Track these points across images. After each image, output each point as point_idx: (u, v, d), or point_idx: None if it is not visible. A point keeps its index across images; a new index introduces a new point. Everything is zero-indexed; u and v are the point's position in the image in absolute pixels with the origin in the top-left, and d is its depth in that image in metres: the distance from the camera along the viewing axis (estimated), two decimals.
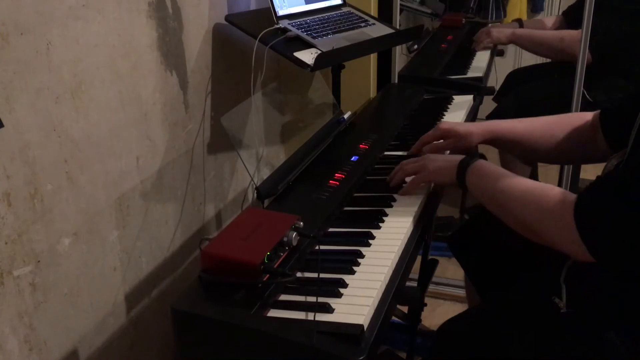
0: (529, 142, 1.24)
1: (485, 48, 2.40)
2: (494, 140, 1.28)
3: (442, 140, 1.30)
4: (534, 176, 2.56)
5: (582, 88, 1.83)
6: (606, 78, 2.07)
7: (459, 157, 1.12)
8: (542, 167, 2.59)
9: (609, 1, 2.00)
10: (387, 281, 0.93)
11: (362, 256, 0.98)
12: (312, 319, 0.82)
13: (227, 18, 1.51)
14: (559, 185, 2.08)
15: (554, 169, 2.46)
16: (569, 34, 2.09)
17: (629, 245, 0.87)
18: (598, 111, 1.18)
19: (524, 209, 0.97)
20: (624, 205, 0.86)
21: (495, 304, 1.13)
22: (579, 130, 1.20)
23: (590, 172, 2.42)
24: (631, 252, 0.88)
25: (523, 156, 1.30)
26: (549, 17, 2.81)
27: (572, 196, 0.92)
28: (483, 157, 1.11)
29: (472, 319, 1.12)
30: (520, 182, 1.00)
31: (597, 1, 1.73)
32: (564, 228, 0.90)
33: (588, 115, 1.20)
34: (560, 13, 3.18)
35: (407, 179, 1.20)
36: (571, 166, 2.03)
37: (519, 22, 2.48)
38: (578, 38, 1.78)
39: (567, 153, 1.23)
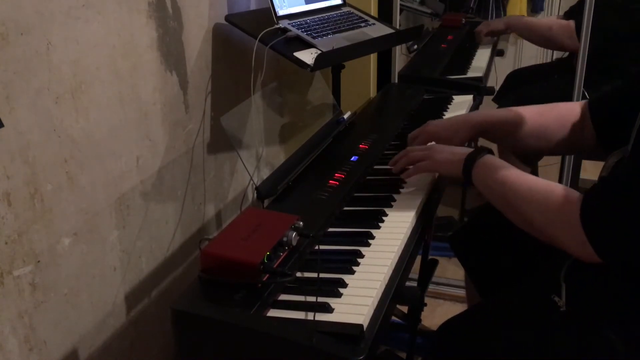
0: (519, 131, 1.23)
1: (487, 36, 2.41)
2: (484, 132, 1.28)
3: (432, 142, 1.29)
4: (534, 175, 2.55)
5: (582, 88, 1.83)
6: (606, 78, 2.07)
7: (466, 151, 1.11)
8: (542, 167, 2.59)
9: (609, 0, 2.00)
10: (386, 281, 0.93)
11: (362, 256, 0.98)
12: (312, 318, 0.82)
13: (227, 18, 1.51)
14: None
15: (554, 168, 2.46)
16: (558, 23, 2.12)
17: (636, 246, 0.87)
18: (586, 101, 1.18)
19: (529, 207, 0.97)
20: (629, 205, 0.87)
21: (495, 302, 1.13)
22: (567, 119, 1.20)
23: (590, 171, 2.43)
24: (638, 253, 0.88)
25: (511, 146, 1.30)
26: (549, 17, 2.81)
27: (578, 196, 0.92)
28: (490, 151, 1.11)
29: (472, 318, 1.12)
30: (527, 179, 1.00)
31: (596, 1, 1.73)
32: (570, 229, 0.90)
33: (576, 106, 1.20)
34: (560, 13, 3.19)
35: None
36: (571, 165, 2.03)
37: None
38: (566, 28, 1.79)
39: (555, 142, 1.22)
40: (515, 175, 1.02)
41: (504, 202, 1.03)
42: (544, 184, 0.98)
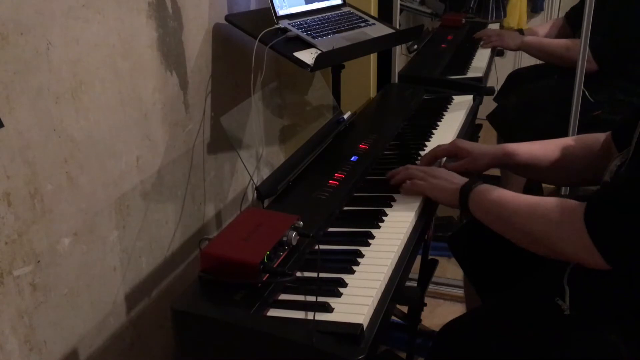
0: (545, 163, 1.23)
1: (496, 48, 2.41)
2: (508, 163, 1.27)
3: (445, 159, 1.28)
4: (533, 185, 2.54)
5: (582, 88, 1.83)
6: (607, 78, 2.07)
7: (461, 181, 1.11)
8: None
9: (609, 2, 2.00)
10: (386, 281, 0.93)
11: (362, 256, 0.98)
12: (312, 318, 0.82)
13: (227, 18, 1.51)
14: (559, 192, 2.08)
15: None
16: (574, 43, 2.11)
17: None
18: (609, 132, 1.17)
19: (532, 224, 0.97)
20: (634, 207, 0.86)
21: (497, 305, 1.13)
22: (593, 149, 1.19)
23: None
24: None
25: (537, 178, 1.28)
26: (550, 20, 2.81)
27: (580, 204, 0.91)
28: (484, 181, 1.11)
29: (474, 321, 1.12)
30: (525, 199, 1.00)
31: (597, 3, 1.73)
32: (575, 237, 0.90)
33: (601, 136, 1.19)
34: (560, 13, 3.19)
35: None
36: None
37: (520, 33, 2.49)
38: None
39: (583, 173, 1.21)
40: (512, 195, 1.02)
41: (506, 226, 1.03)
42: (542, 199, 0.98)
